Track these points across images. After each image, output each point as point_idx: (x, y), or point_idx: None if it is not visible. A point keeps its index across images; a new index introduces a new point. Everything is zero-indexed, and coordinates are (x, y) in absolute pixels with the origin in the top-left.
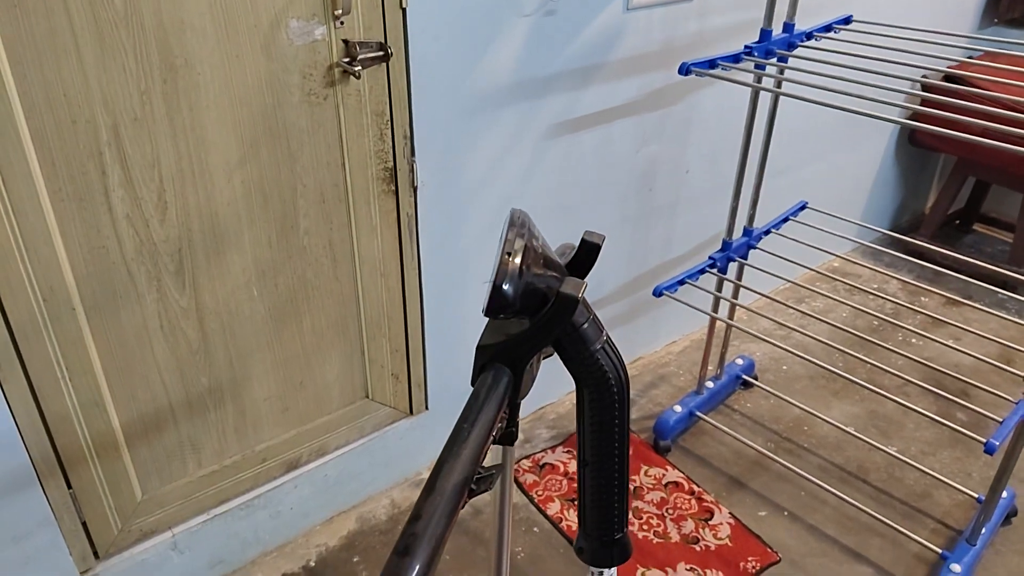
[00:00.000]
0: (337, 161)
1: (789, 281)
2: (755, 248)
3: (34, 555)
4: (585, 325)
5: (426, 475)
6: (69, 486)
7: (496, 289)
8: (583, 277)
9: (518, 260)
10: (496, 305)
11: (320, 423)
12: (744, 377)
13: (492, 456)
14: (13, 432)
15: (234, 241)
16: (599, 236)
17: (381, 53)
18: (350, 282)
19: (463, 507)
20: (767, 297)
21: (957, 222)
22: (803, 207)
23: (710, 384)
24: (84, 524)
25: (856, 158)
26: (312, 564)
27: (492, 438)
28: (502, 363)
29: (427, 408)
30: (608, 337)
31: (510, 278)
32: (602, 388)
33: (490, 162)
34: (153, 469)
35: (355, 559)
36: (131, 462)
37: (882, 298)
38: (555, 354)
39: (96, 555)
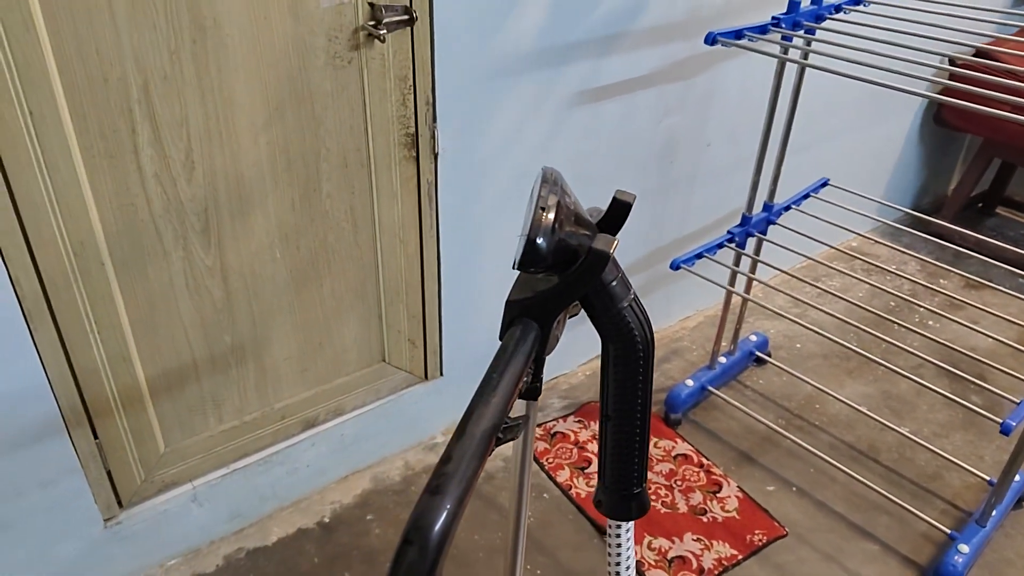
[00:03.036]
0: (360, 126)
1: (807, 258)
2: (775, 223)
3: (60, 501)
4: (614, 283)
5: (440, 440)
6: (96, 436)
7: (530, 243)
8: (614, 235)
9: (552, 215)
10: (529, 259)
11: (338, 384)
12: (758, 354)
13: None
14: (43, 382)
15: (258, 203)
16: (630, 195)
17: (406, 17)
18: (370, 247)
19: (490, 454)
20: (785, 273)
21: (980, 205)
22: (824, 184)
23: (723, 359)
24: (109, 473)
25: (880, 137)
26: (327, 520)
27: (518, 391)
28: (531, 318)
29: (442, 374)
30: (635, 295)
31: (544, 232)
32: (628, 345)
33: (510, 130)
34: (176, 423)
35: (368, 517)
36: (155, 415)
37: (901, 278)
38: (580, 313)
39: (120, 503)
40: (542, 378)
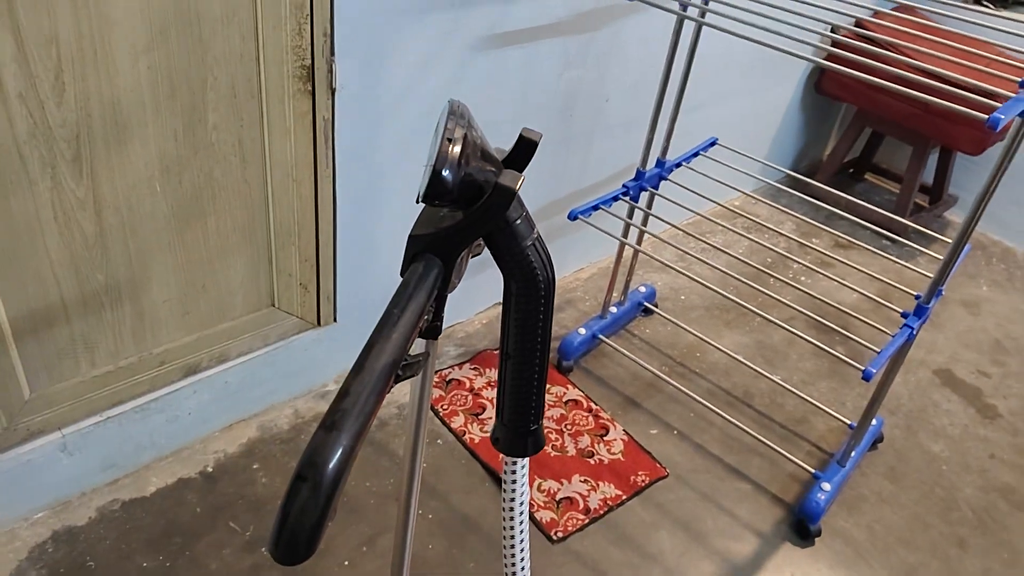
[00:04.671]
0: (251, 54)
1: (696, 213)
2: (666, 179)
3: None
4: (518, 221)
5: (332, 387)
6: None
7: (436, 174)
8: (520, 172)
9: (458, 148)
10: (434, 191)
11: (222, 329)
12: (646, 304)
13: (415, 348)
14: None
15: (137, 131)
16: (536, 133)
17: None
18: (260, 185)
19: (389, 391)
20: (674, 227)
21: (851, 171)
22: (713, 143)
23: (614, 309)
24: None
25: (766, 101)
26: (209, 470)
27: (419, 328)
28: (434, 253)
29: (335, 320)
30: (539, 235)
31: (450, 164)
32: (530, 284)
33: (414, 70)
34: (43, 366)
35: (255, 466)
36: (19, 358)
37: (778, 235)
38: (483, 251)
39: None
40: (443, 317)
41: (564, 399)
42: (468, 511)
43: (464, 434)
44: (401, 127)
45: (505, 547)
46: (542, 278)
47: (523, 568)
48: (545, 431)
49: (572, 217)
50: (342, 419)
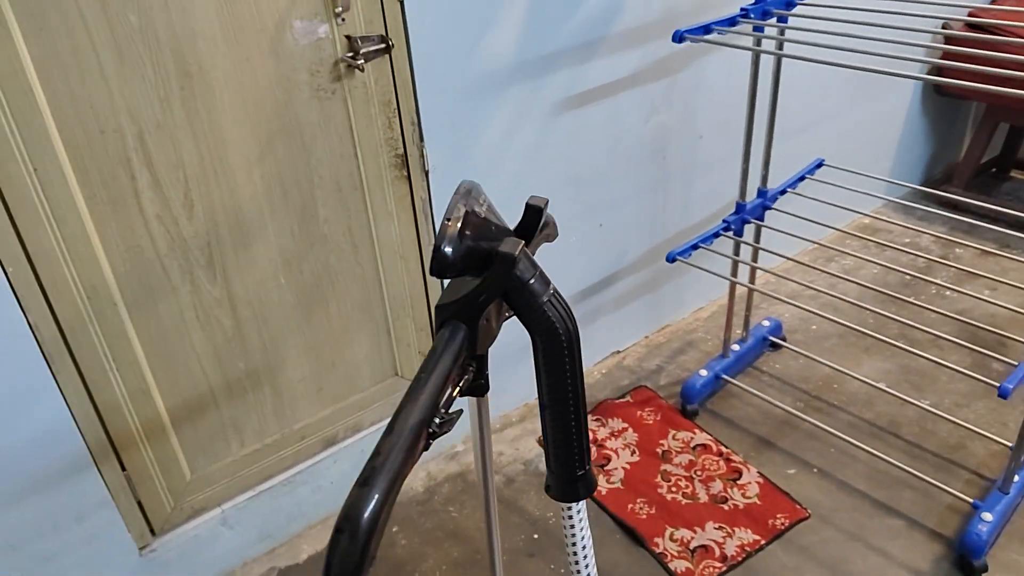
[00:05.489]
0: (349, 151)
1: (814, 242)
2: (772, 209)
3: (97, 532)
4: (532, 280)
5: (460, 448)
6: (123, 468)
7: (436, 250)
8: (531, 238)
9: (458, 224)
10: (438, 265)
11: (353, 401)
12: (772, 339)
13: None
14: (69, 421)
15: (258, 233)
16: (542, 199)
17: (383, 45)
18: (371, 266)
19: (425, 448)
20: (792, 260)
21: (993, 170)
22: (819, 164)
23: (736, 347)
24: (140, 503)
25: (880, 111)
26: None
27: (459, 388)
28: (458, 319)
29: None
30: (555, 291)
31: (449, 240)
32: (552, 337)
33: (498, 141)
34: (199, 450)
35: (394, 528)
36: (179, 444)
37: (912, 254)
38: (512, 315)
39: (152, 531)
40: (487, 374)
41: (692, 444)
42: (600, 563)
43: None
44: (493, 196)
45: None
46: (562, 330)
47: None
48: (674, 479)
49: (670, 260)
50: (373, 476)
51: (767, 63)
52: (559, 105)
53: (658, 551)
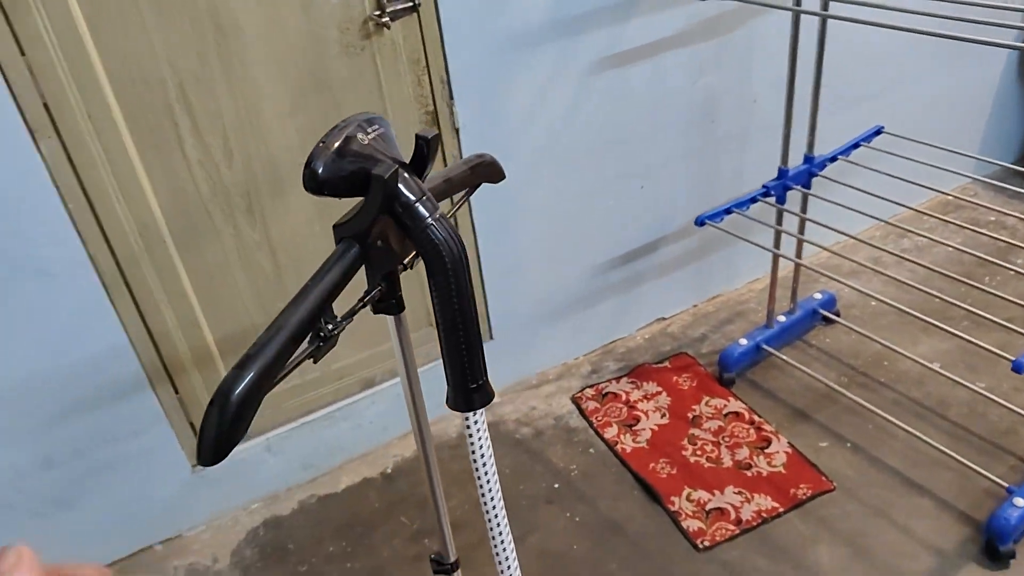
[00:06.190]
0: (379, 108)
1: (880, 220)
2: (832, 181)
3: (152, 447)
4: (417, 203)
5: (496, 400)
6: (176, 391)
7: (306, 167)
8: (423, 168)
9: (334, 148)
10: (308, 181)
11: (389, 347)
12: (823, 312)
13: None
14: (126, 344)
15: (294, 183)
16: (430, 131)
17: (410, 4)
18: None
19: (317, 350)
20: (850, 237)
21: None
22: (878, 132)
23: (782, 319)
24: (192, 424)
25: (967, 81)
26: (389, 471)
27: (365, 304)
28: (351, 237)
29: (492, 338)
30: (443, 215)
31: (323, 161)
32: (436, 258)
33: (532, 100)
34: None
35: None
36: (225, 372)
37: (991, 237)
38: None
39: None
40: (400, 294)
41: (724, 411)
42: (615, 516)
43: (616, 444)
44: (526, 154)
45: (484, 503)
46: (445, 251)
47: (499, 523)
48: (700, 442)
49: (699, 223)
50: (247, 361)
51: (809, 24)
52: (596, 64)
53: (673, 509)
